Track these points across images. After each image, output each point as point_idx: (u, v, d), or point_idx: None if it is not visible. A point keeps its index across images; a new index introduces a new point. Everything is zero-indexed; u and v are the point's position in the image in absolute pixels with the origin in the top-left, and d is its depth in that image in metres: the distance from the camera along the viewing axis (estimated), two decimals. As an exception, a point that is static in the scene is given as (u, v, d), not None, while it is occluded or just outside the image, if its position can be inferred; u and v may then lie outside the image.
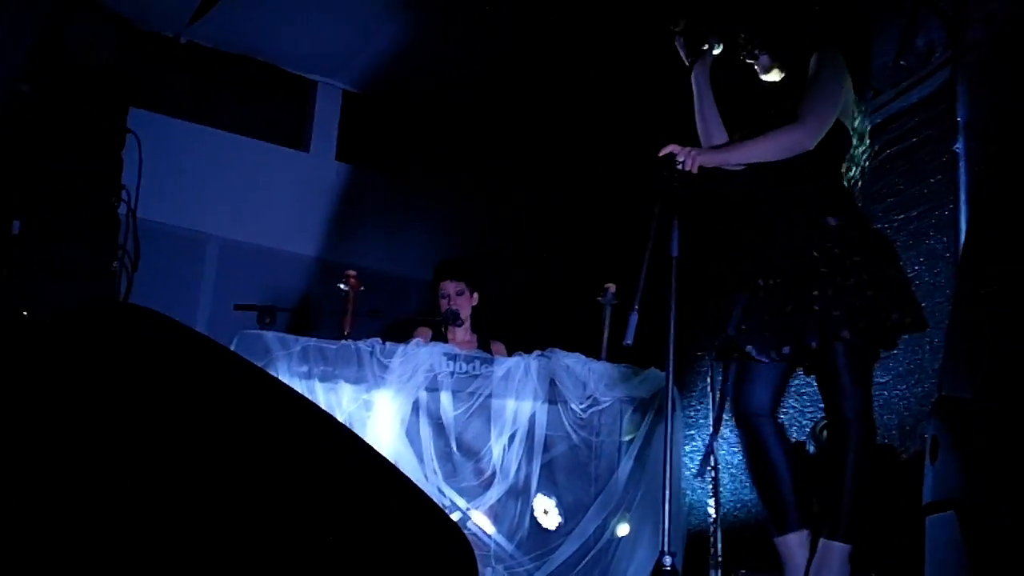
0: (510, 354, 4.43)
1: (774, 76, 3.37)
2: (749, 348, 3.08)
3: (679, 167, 3.14)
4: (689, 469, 4.94)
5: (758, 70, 3.40)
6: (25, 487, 1.17)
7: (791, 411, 4.54)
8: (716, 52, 3.53)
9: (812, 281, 2.99)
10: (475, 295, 4.96)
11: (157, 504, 1.21)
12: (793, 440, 4.31)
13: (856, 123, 3.25)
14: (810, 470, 3.87)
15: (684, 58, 3.54)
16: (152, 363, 1.35)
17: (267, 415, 1.38)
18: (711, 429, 4.27)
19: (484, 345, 4.92)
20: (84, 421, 1.26)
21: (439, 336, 4.81)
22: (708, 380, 4.63)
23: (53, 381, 1.30)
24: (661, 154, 3.17)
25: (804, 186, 3.15)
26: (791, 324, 3.01)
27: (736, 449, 4.72)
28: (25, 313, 3.29)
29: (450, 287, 4.90)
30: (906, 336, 3.94)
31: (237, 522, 1.22)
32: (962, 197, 2.71)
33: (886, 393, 4.08)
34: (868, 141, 3.32)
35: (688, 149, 3.16)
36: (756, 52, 3.36)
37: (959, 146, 2.70)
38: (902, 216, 4.12)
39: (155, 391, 1.32)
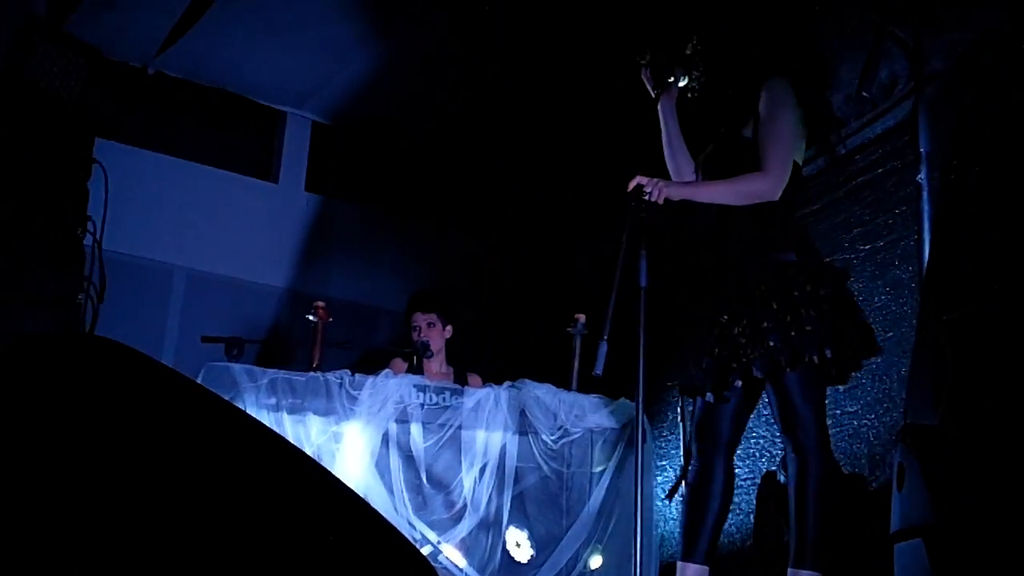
0: (479, 384, 4.41)
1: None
2: (708, 396, 3.20)
3: (646, 198, 3.16)
4: (661, 500, 4.93)
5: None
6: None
7: (762, 441, 4.55)
8: (681, 84, 3.56)
9: (764, 315, 3.05)
10: (448, 328, 4.95)
11: (118, 537, 1.19)
12: (764, 470, 4.32)
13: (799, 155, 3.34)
14: (781, 499, 3.89)
15: (650, 90, 3.57)
16: (114, 394, 1.34)
17: (232, 448, 1.37)
18: (682, 460, 4.27)
19: (460, 378, 4.90)
20: (44, 451, 1.24)
21: (415, 368, 4.78)
22: (679, 410, 4.62)
23: (11, 411, 1.28)
24: (629, 187, 3.20)
25: (761, 224, 3.21)
26: (743, 356, 3.07)
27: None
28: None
29: (421, 319, 4.89)
30: (874, 365, 4.01)
31: (201, 557, 1.21)
32: (925, 226, 2.74)
33: (855, 422, 4.10)
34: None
35: (656, 181, 3.19)
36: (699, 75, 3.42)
37: (922, 176, 2.73)
38: (868, 246, 4.16)
39: (117, 423, 1.30)
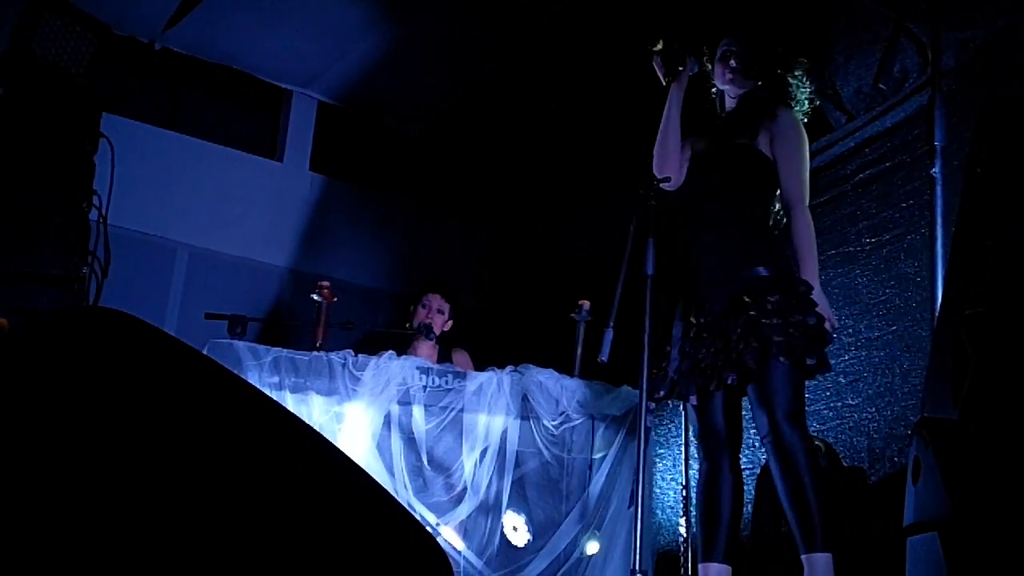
0: (482, 368, 4.41)
1: (734, 89, 3.45)
2: (692, 398, 3.27)
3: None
4: (659, 487, 4.94)
5: (723, 82, 3.48)
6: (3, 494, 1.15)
7: (754, 432, 4.56)
8: (693, 72, 3.56)
9: (739, 322, 3.13)
10: (451, 322, 4.99)
11: (134, 509, 1.19)
12: (763, 462, 4.33)
13: None
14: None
15: (661, 78, 3.57)
16: (130, 367, 1.33)
17: (243, 420, 1.37)
18: (681, 452, 4.28)
19: (446, 355, 4.92)
20: (62, 425, 1.24)
21: (401, 351, 4.78)
22: (681, 409, 4.63)
23: (29, 386, 1.28)
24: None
25: (744, 227, 3.32)
26: (718, 362, 3.15)
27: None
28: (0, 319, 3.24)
29: (435, 301, 4.91)
30: (876, 359, 4.02)
31: (211, 526, 1.21)
32: (939, 220, 2.74)
33: (856, 415, 4.11)
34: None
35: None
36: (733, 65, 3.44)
37: (936, 170, 2.73)
38: (874, 240, 4.16)
39: (132, 395, 1.30)
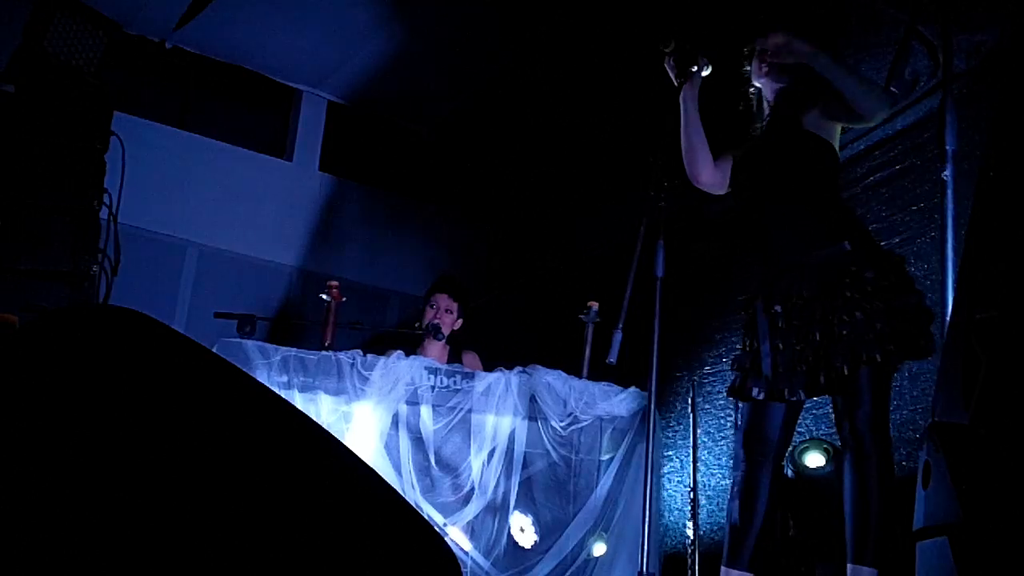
0: (490, 369, 4.41)
1: (771, 83, 3.37)
2: (797, 395, 3.02)
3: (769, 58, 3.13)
4: (666, 490, 4.94)
5: (760, 75, 3.38)
6: (12, 490, 1.16)
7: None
8: (705, 73, 3.53)
9: (837, 305, 2.95)
10: (460, 321, 4.98)
11: (144, 506, 1.20)
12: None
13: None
14: (787, 493, 3.89)
15: (673, 79, 3.54)
16: (141, 365, 1.34)
17: (253, 419, 1.37)
18: (690, 451, 4.28)
19: (456, 356, 4.92)
20: (73, 422, 1.25)
21: (411, 351, 4.78)
22: (688, 400, 4.63)
23: (40, 384, 1.28)
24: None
25: (812, 209, 3.14)
26: (821, 353, 2.96)
27: (714, 471, 4.72)
28: (10, 316, 3.25)
29: (443, 301, 4.91)
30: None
31: (222, 524, 1.21)
32: (949, 224, 2.72)
33: (864, 418, 4.09)
34: None
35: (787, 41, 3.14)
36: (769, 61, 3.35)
37: (947, 174, 2.72)
38: (884, 243, 4.14)
39: (143, 393, 1.30)
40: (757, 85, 3.43)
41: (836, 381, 2.94)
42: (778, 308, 3.08)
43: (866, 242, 3.10)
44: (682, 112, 3.46)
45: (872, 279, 2.95)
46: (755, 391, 3.08)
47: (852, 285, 2.95)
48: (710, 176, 3.41)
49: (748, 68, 3.41)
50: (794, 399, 3.03)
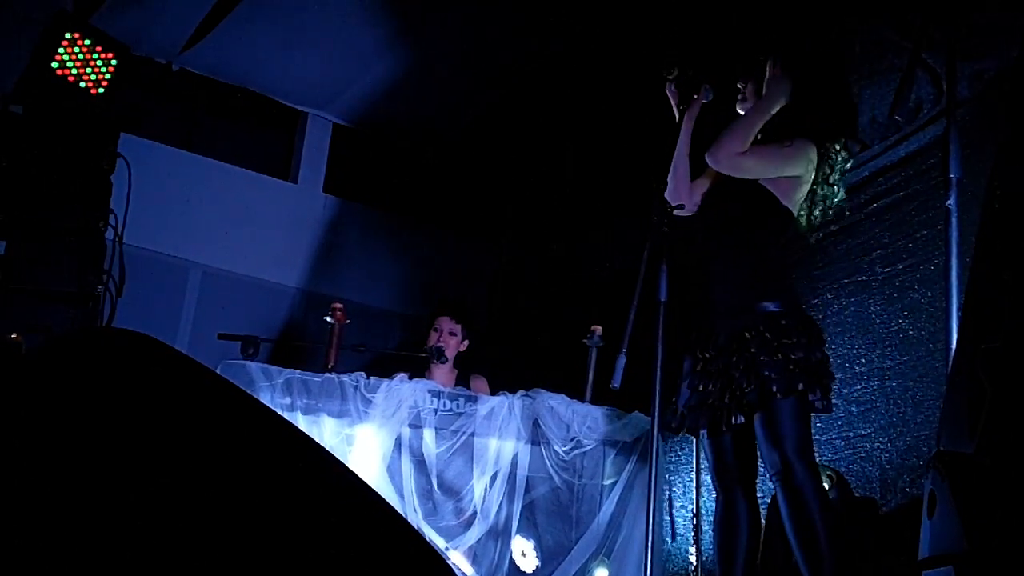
0: (494, 392, 4.41)
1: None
2: (702, 432, 3.28)
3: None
4: (669, 515, 4.92)
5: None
6: (22, 509, 1.16)
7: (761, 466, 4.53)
8: (707, 100, 3.56)
9: (747, 356, 3.10)
10: (465, 342, 4.97)
11: (147, 529, 1.20)
12: (772, 491, 4.31)
13: (816, 212, 3.42)
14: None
15: (674, 106, 3.57)
16: (147, 389, 1.34)
17: (258, 441, 1.38)
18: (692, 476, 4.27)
19: (464, 380, 4.90)
20: (79, 446, 1.25)
21: (418, 374, 4.78)
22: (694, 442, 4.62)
23: (46, 409, 1.28)
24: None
25: (755, 265, 3.29)
26: (727, 395, 3.13)
27: (717, 496, 4.70)
28: (15, 336, 3.26)
29: (446, 324, 4.89)
30: (888, 389, 4.00)
31: (224, 546, 1.22)
32: (953, 252, 2.73)
33: (868, 445, 4.09)
34: (837, 189, 3.45)
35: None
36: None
37: (951, 202, 2.73)
38: (888, 269, 4.15)
39: (149, 417, 1.31)
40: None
41: (763, 407, 3.08)
42: (700, 352, 3.27)
43: (793, 306, 3.26)
44: (679, 142, 3.50)
45: (786, 336, 3.11)
46: (673, 424, 3.34)
47: (766, 341, 3.10)
48: (688, 203, 3.54)
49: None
50: (700, 436, 3.30)
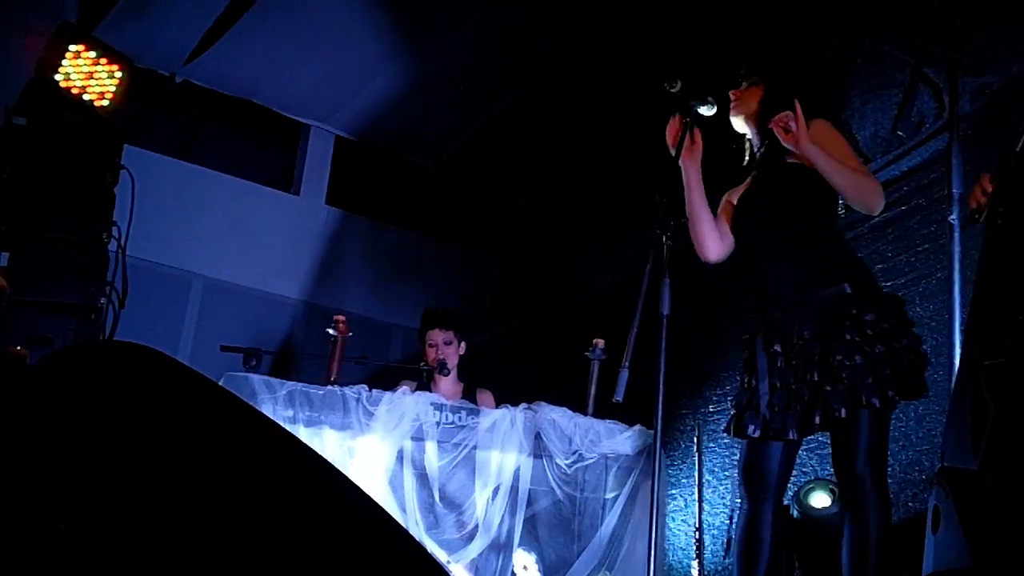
0: (497, 405, 4.40)
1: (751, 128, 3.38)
2: (790, 434, 3.00)
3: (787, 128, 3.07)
4: (671, 529, 4.91)
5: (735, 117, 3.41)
6: (25, 523, 1.16)
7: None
8: (709, 114, 3.53)
9: (837, 347, 2.94)
10: (462, 344, 4.93)
11: (152, 542, 1.20)
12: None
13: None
14: (792, 534, 3.87)
15: (670, 148, 3.51)
16: (151, 403, 1.34)
17: (261, 454, 1.37)
18: (695, 491, 4.26)
19: (470, 394, 4.88)
20: (83, 461, 1.25)
21: (423, 386, 4.77)
22: (694, 439, 4.62)
23: (50, 424, 1.28)
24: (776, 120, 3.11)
25: (809, 246, 3.13)
26: (818, 393, 2.94)
27: (719, 511, 4.70)
28: (19, 348, 3.26)
29: (439, 336, 4.86)
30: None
31: (227, 558, 1.21)
32: (956, 267, 2.73)
33: (870, 459, 4.08)
34: None
35: (797, 124, 3.08)
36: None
37: (954, 217, 2.73)
38: (889, 283, 4.15)
39: (153, 431, 1.31)
40: (741, 131, 3.45)
41: (833, 422, 2.92)
42: (777, 347, 3.07)
43: (867, 283, 3.09)
44: (686, 190, 3.38)
45: (872, 322, 2.93)
46: (751, 428, 3.07)
47: (852, 327, 2.93)
48: (717, 249, 3.39)
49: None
50: (790, 438, 3.01)
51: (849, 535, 2.89)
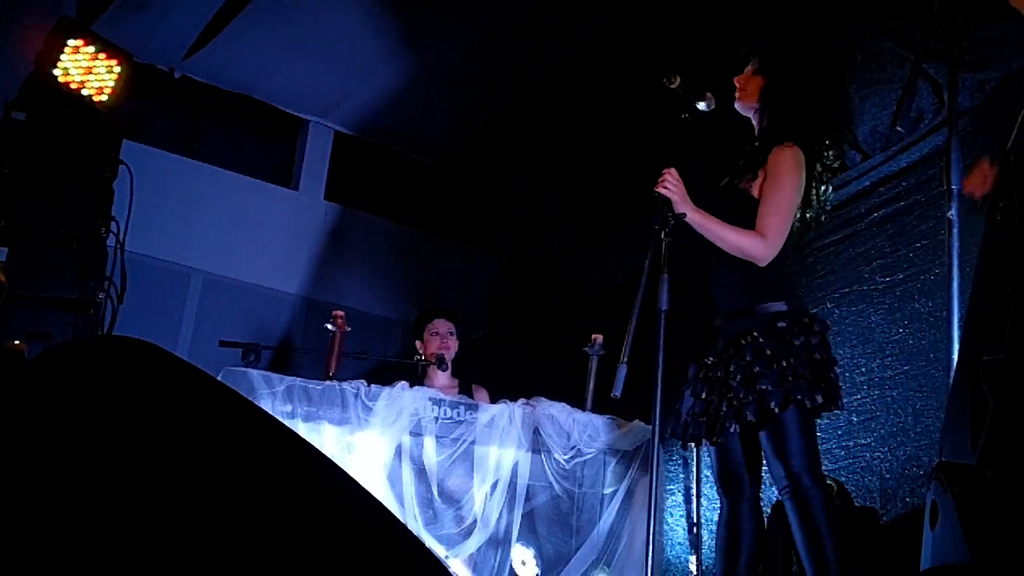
0: (494, 401, 4.40)
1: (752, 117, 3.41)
2: (704, 442, 3.23)
3: (663, 191, 3.19)
4: (668, 524, 4.92)
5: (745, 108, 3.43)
6: (25, 519, 1.16)
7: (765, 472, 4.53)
8: (708, 109, 3.54)
9: (756, 360, 3.06)
10: (457, 341, 4.96)
11: (150, 537, 1.20)
12: (775, 499, 4.31)
13: (810, 213, 3.33)
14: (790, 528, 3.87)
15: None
16: (150, 398, 1.34)
17: (261, 449, 1.37)
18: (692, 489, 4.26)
19: (466, 390, 4.89)
20: (82, 454, 1.25)
21: (418, 382, 4.77)
22: (692, 446, 4.61)
23: (48, 418, 1.28)
24: (660, 185, 3.20)
25: (746, 271, 3.23)
26: (734, 400, 3.09)
27: (717, 506, 4.69)
28: (18, 343, 3.26)
29: (443, 326, 4.88)
30: (888, 399, 4.00)
31: (225, 553, 1.21)
32: (955, 263, 2.74)
33: (868, 455, 4.08)
34: (825, 188, 3.38)
35: (680, 190, 3.20)
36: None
37: (952, 213, 2.73)
38: (888, 279, 4.15)
39: (152, 426, 1.31)
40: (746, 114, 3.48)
41: (764, 423, 3.04)
42: (710, 359, 3.23)
43: (796, 303, 3.22)
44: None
45: (801, 345, 3.06)
46: (670, 431, 3.33)
47: (779, 345, 3.06)
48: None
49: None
50: (717, 439, 3.16)
51: (802, 535, 2.99)
